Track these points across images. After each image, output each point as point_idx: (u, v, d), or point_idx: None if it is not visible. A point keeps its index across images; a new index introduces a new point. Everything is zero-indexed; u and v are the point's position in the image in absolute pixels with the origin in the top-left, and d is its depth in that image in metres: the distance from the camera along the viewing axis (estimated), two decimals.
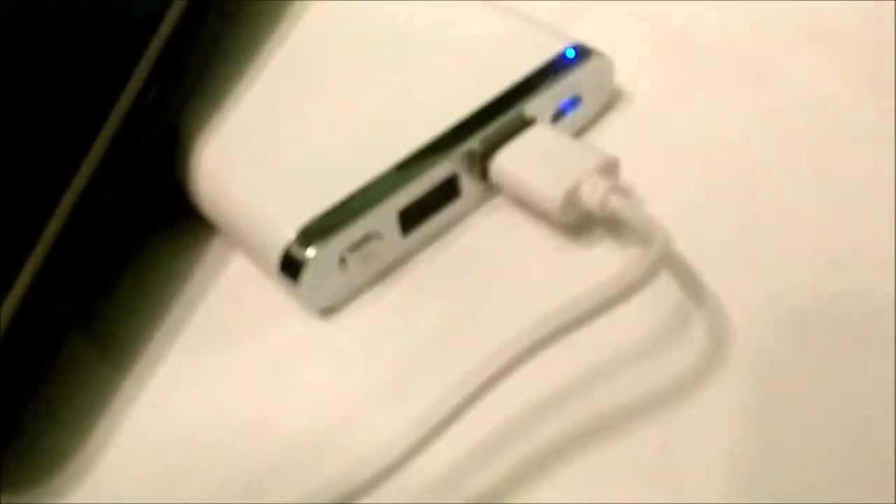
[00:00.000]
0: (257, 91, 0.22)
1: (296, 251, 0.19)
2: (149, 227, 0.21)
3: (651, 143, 0.22)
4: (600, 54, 0.22)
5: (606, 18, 0.24)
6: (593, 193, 0.19)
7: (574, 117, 0.22)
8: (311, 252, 0.19)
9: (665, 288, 0.19)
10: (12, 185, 0.19)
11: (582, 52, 0.21)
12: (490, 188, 0.21)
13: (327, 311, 0.20)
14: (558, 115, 0.21)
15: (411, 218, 0.20)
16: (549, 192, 0.19)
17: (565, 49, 0.21)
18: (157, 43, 0.20)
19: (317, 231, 0.19)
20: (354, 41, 0.22)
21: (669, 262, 0.18)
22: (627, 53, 0.22)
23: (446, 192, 0.20)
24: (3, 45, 0.21)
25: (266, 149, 0.20)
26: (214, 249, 0.21)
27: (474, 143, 0.20)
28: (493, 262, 0.20)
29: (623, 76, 0.22)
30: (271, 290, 0.20)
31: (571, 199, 0.19)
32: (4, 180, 0.19)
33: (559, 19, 0.23)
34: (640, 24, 0.24)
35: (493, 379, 0.16)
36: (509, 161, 0.20)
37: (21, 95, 0.20)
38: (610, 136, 0.22)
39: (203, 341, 0.19)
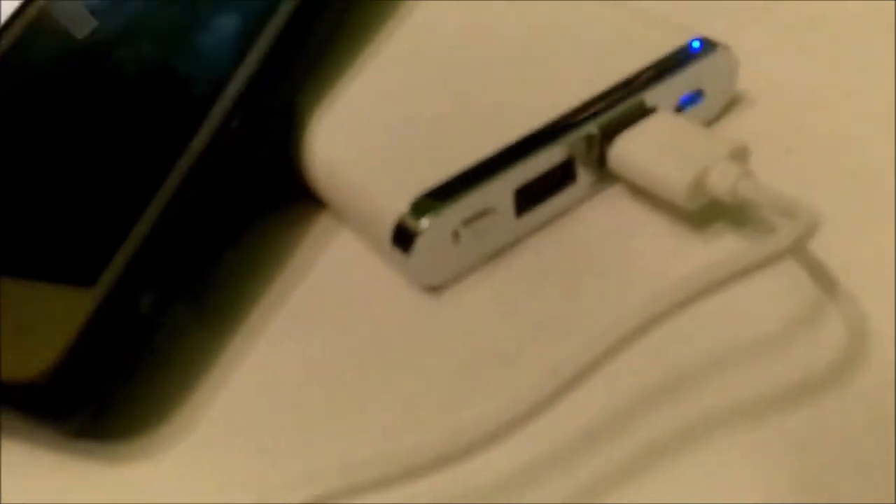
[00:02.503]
0: (376, 73, 0.21)
1: (409, 222, 0.18)
2: (262, 208, 0.20)
3: (775, 145, 0.21)
4: (725, 47, 0.21)
5: (732, 15, 0.24)
6: (724, 178, 0.18)
7: (696, 111, 0.21)
8: (424, 223, 0.18)
9: (797, 283, 0.18)
10: (128, 153, 0.19)
11: (707, 45, 0.21)
12: (607, 177, 0.20)
13: (435, 289, 0.19)
14: (679, 109, 0.21)
15: (526, 199, 0.19)
16: (676, 177, 0.18)
17: (690, 41, 0.21)
18: (277, 21, 0.20)
19: (431, 202, 0.18)
20: (477, 29, 0.22)
21: (810, 241, 0.17)
22: (754, 51, 0.22)
23: (562, 176, 0.20)
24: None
25: (382, 126, 0.20)
26: (321, 224, 0.20)
27: (592, 127, 0.19)
28: (608, 250, 0.19)
29: (748, 75, 0.22)
30: (378, 266, 0.19)
31: (699, 184, 0.18)
32: (124, 145, 0.19)
33: (683, 16, 0.22)
34: (768, 21, 0.24)
35: (610, 351, 0.15)
36: (630, 146, 0.19)
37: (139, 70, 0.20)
38: (733, 135, 0.21)
39: (305, 313, 0.19)
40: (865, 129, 0.21)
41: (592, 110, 0.20)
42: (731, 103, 0.22)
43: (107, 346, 0.16)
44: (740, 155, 0.19)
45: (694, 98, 0.21)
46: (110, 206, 0.18)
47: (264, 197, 0.21)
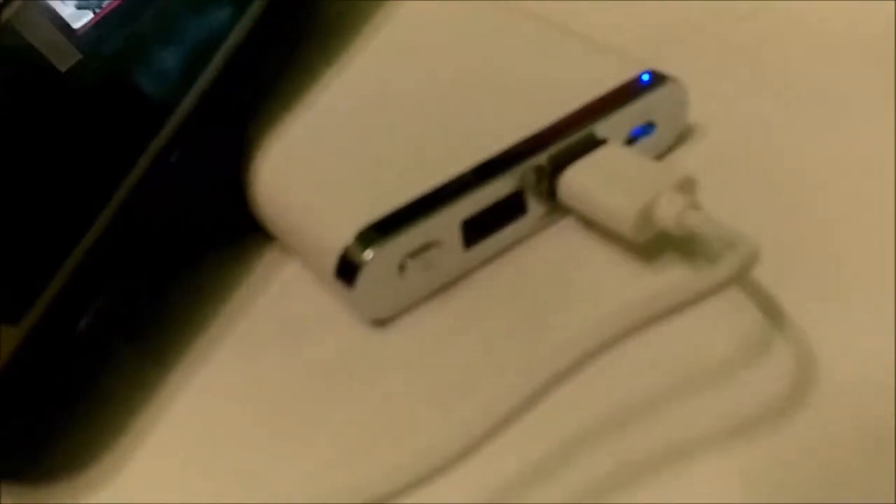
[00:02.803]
0: (326, 102, 0.21)
1: (353, 253, 0.18)
2: (209, 240, 0.20)
3: (727, 176, 0.21)
4: (675, 80, 0.21)
5: (683, 49, 0.24)
6: (670, 210, 0.18)
7: (647, 144, 0.21)
8: (368, 254, 0.18)
9: (743, 312, 0.18)
10: (65, 181, 0.18)
11: (657, 78, 0.21)
12: (558, 208, 0.20)
13: (381, 322, 0.19)
14: (630, 141, 0.21)
15: (475, 231, 0.19)
16: (622, 207, 0.18)
17: (641, 74, 0.21)
18: (226, 50, 0.20)
19: (376, 234, 0.18)
20: (428, 58, 0.22)
21: (752, 271, 0.17)
22: (704, 85, 0.22)
23: (512, 207, 0.19)
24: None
25: (329, 156, 0.20)
26: (268, 256, 0.20)
27: (542, 158, 0.19)
28: (558, 283, 0.19)
29: (698, 108, 0.22)
30: (324, 298, 0.19)
31: (646, 215, 0.18)
32: (59, 172, 0.18)
33: (636, 47, 0.23)
34: (718, 55, 0.24)
35: (549, 384, 0.15)
36: (579, 177, 0.19)
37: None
38: (683, 167, 0.21)
39: (247, 345, 0.18)
40: (814, 160, 0.21)
41: (542, 142, 0.19)
42: (683, 135, 0.22)
43: (34, 385, 0.15)
44: (687, 186, 0.19)
45: (645, 130, 0.21)
46: (42, 238, 0.17)
47: (211, 230, 0.21)
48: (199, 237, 0.20)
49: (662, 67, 0.21)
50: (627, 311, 0.15)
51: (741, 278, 0.16)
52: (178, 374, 0.18)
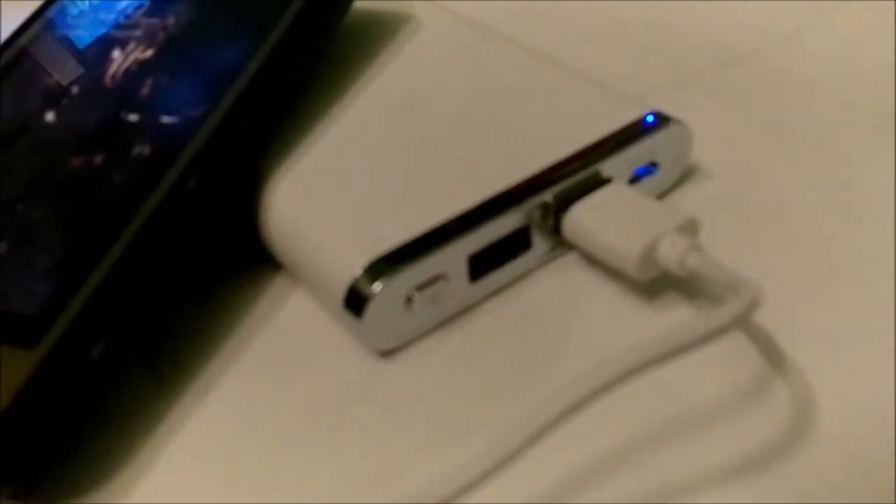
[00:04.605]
0: (337, 136, 0.22)
1: (361, 286, 0.18)
2: (219, 268, 0.21)
3: (729, 218, 0.21)
4: (679, 122, 0.21)
5: (687, 87, 0.24)
6: (673, 251, 0.18)
7: (650, 183, 0.21)
8: (376, 287, 0.18)
9: (745, 355, 0.18)
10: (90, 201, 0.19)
11: (661, 119, 0.21)
12: (562, 244, 0.20)
13: (387, 354, 0.19)
14: (634, 180, 0.21)
15: (481, 265, 0.19)
16: (626, 247, 0.19)
17: (645, 115, 0.21)
18: (241, 83, 0.20)
19: (384, 267, 0.18)
20: (437, 93, 0.22)
21: (754, 315, 0.17)
22: (707, 129, 0.22)
23: (517, 243, 0.20)
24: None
25: (337, 187, 0.20)
26: (277, 285, 0.20)
27: (548, 196, 0.20)
28: (561, 317, 0.19)
29: (701, 150, 0.22)
30: (330, 328, 0.19)
31: (649, 255, 0.19)
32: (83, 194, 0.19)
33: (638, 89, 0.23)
34: (723, 98, 0.24)
35: (546, 426, 0.15)
36: (584, 215, 0.20)
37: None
38: (686, 208, 0.22)
39: (255, 373, 0.19)
40: (816, 204, 0.21)
41: (548, 179, 0.20)
42: (686, 175, 0.22)
43: (48, 408, 0.16)
44: (690, 228, 0.19)
45: (649, 170, 0.21)
46: (60, 263, 0.18)
47: (222, 257, 0.21)
48: (210, 265, 0.21)
49: (667, 109, 0.21)
50: (630, 352, 0.15)
51: (743, 322, 0.16)
52: (187, 399, 0.18)
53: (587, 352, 0.19)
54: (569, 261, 0.21)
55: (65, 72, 0.21)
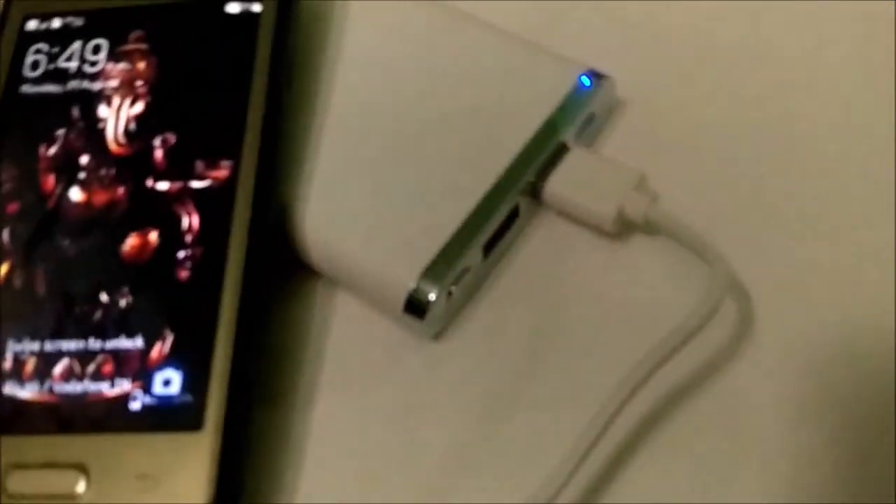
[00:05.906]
0: (335, 148, 0.24)
1: (419, 296, 0.22)
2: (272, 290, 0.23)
3: (653, 144, 0.26)
4: (608, 77, 0.25)
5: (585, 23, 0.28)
6: (638, 209, 0.24)
7: (590, 133, 0.26)
8: (432, 295, 0.22)
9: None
10: None
11: (595, 78, 0.25)
12: (538, 204, 0.25)
13: (437, 336, 0.23)
14: (578, 134, 0.25)
15: (489, 245, 0.24)
16: (602, 211, 0.24)
17: (580, 77, 0.25)
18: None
19: (432, 276, 0.22)
20: (407, 87, 0.25)
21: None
22: (609, 58, 0.26)
23: (511, 216, 0.24)
24: None
25: (361, 204, 0.23)
26: (319, 293, 0.24)
27: (531, 174, 0.24)
28: (556, 271, 0.24)
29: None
30: (382, 324, 0.23)
31: (621, 215, 0.24)
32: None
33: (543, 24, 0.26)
34: (617, 28, 0.28)
35: (609, 423, 0.21)
36: (560, 187, 0.24)
37: None
38: (615, 143, 0.26)
39: (342, 380, 0.23)
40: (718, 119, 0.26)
41: (528, 159, 0.24)
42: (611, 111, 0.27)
43: (234, 475, 0.19)
44: (642, 183, 0.24)
45: (588, 121, 0.26)
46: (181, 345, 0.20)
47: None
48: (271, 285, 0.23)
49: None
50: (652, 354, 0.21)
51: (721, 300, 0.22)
52: (297, 413, 0.22)
53: (588, 304, 0.23)
54: (544, 216, 0.25)
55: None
